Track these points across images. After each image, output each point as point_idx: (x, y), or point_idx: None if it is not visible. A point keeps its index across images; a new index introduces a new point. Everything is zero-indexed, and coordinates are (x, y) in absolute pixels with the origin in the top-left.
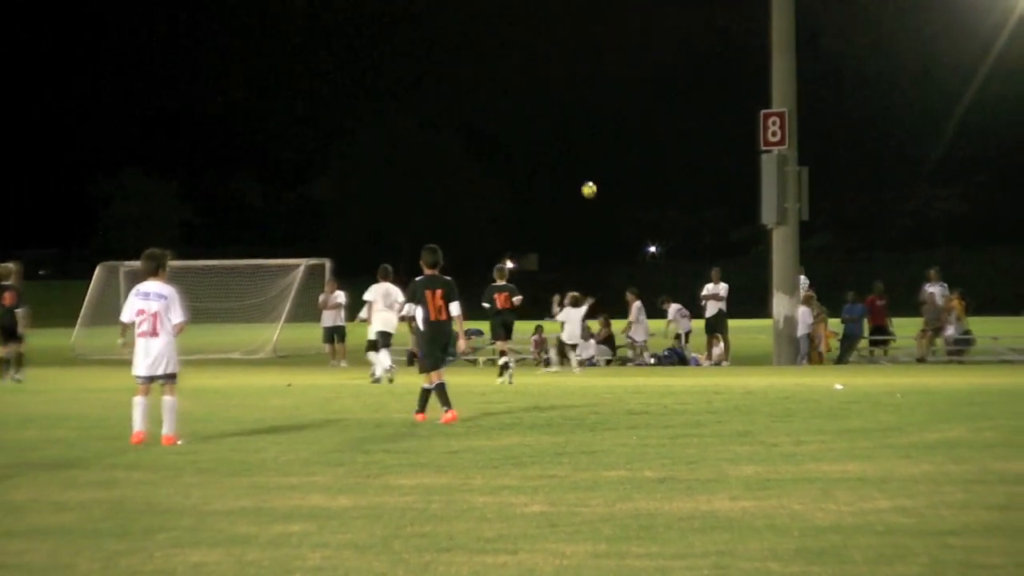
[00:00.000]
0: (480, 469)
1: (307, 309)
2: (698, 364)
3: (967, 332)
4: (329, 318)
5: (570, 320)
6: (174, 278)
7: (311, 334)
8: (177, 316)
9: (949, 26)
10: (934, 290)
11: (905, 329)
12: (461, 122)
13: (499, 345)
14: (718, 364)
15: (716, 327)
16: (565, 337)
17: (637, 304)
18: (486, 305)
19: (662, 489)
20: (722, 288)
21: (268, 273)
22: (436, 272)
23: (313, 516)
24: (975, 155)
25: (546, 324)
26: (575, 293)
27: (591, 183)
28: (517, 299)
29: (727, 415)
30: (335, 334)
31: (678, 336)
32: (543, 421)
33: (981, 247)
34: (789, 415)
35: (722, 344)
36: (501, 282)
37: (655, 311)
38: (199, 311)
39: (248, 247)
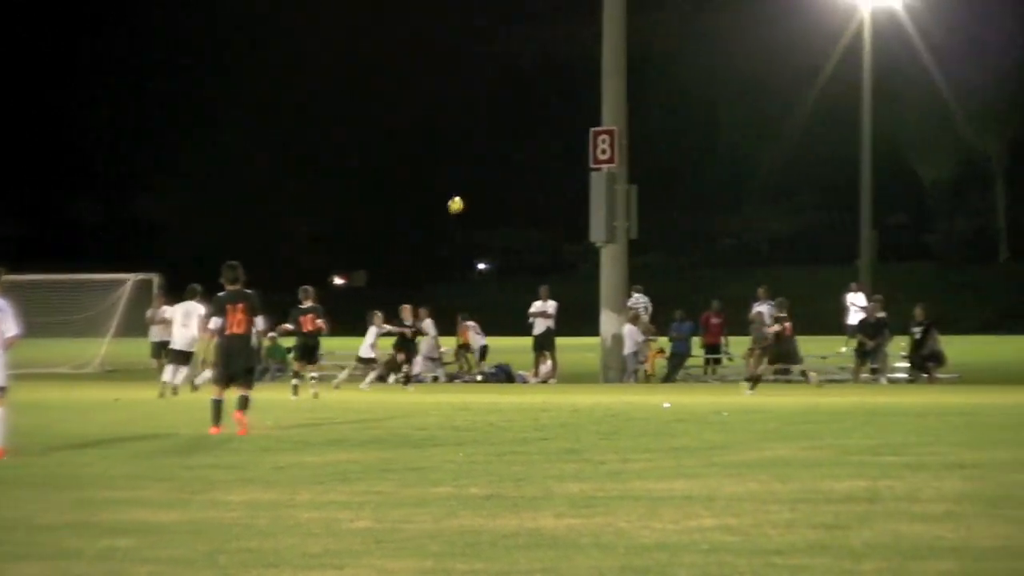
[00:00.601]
0: (307, 485)
1: (136, 324)
2: (525, 382)
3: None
4: (157, 333)
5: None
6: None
7: (139, 349)
8: (10, 329)
9: (780, 45)
10: (762, 309)
11: (740, 348)
12: (285, 139)
13: (297, 367)
14: (545, 382)
15: (544, 344)
16: (362, 352)
17: (428, 321)
18: (290, 327)
19: (488, 506)
20: (550, 306)
21: (96, 288)
22: (238, 287)
23: (139, 531)
24: (801, 175)
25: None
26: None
27: (457, 198)
28: (320, 322)
29: (553, 432)
30: (163, 349)
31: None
32: (371, 437)
33: (803, 266)
34: (616, 433)
35: (550, 362)
36: (307, 304)
37: (492, 328)
38: (27, 326)
39: (80, 263)
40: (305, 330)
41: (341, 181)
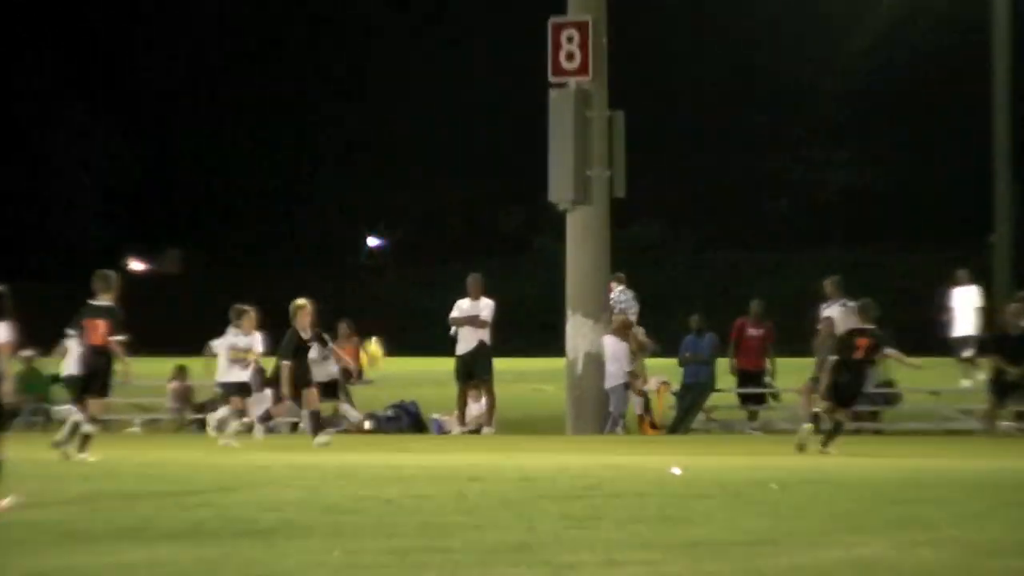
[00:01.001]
0: None
1: None
2: (444, 431)
3: (888, 382)
4: None
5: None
6: None
7: None
8: None
9: None
10: (833, 313)
11: (793, 376)
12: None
13: (78, 407)
14: (476, 431)
15: (474, 370)
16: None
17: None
18: (72, 333)
19: None
20: (484, 307)
21: None
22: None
23: None
24: (890, 99)
25: (197, 363)
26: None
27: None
28: (116, 338)
29: (490, 516)
30: None
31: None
32: (188, 523)
33: (888, 244)
34: (594, 517)
35: (484, 398)
36: (102, 300)
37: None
38: None
39: None
40: (92, 343)
41: (147, 112)
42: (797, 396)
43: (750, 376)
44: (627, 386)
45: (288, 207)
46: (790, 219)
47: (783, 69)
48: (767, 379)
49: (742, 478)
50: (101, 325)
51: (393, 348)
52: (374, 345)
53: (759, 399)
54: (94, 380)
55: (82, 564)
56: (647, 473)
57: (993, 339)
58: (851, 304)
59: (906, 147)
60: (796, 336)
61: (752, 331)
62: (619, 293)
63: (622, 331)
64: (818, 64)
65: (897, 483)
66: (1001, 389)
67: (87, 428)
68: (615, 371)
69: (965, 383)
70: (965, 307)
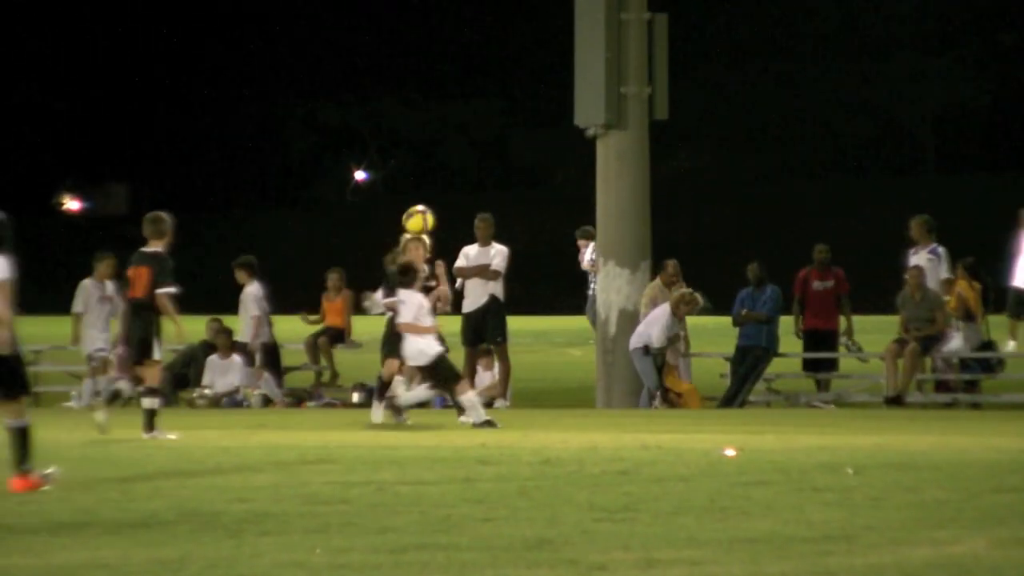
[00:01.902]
0: None
1: None
2: (447, 404)
3: (988, 343)
4: None
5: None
6: None
7: None
8: None
9: None
10: (920, 261)
11: (873, 337)
12: None
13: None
14: (488, 404)
15: (483, 332)
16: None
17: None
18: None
19: None
20: (495, 254)
21: None
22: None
23: None
24: None
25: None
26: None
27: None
28: (164, 291)
29: (504, 506)
30: None
31: None
32: (138, 516)
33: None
34: (630, 507)
35: (496, 366)
36: (155, 247)
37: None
38: None
39: None
40: (133, 295)
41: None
42: (880, 362)
43: (820, 337)
44: (664, 355)
45: (255, 134)
46: (869, 144)
47: None
48: (843, 340)
49: (810, 461)
50: (144, 274)
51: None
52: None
53: (833, 364)
54: (140, 343)
55: (11, 567)
56: (694, 455)
57: None
58: (942, 251)
59: (1015, 56)
60: (874, 289)
61: (818, 283)
62: (591, 253)
63: (668, 287)
64: None
65: (999, 468)
66: None
67: (148, 402)
68: (657, 334)
69: (1010, 345)
70: None
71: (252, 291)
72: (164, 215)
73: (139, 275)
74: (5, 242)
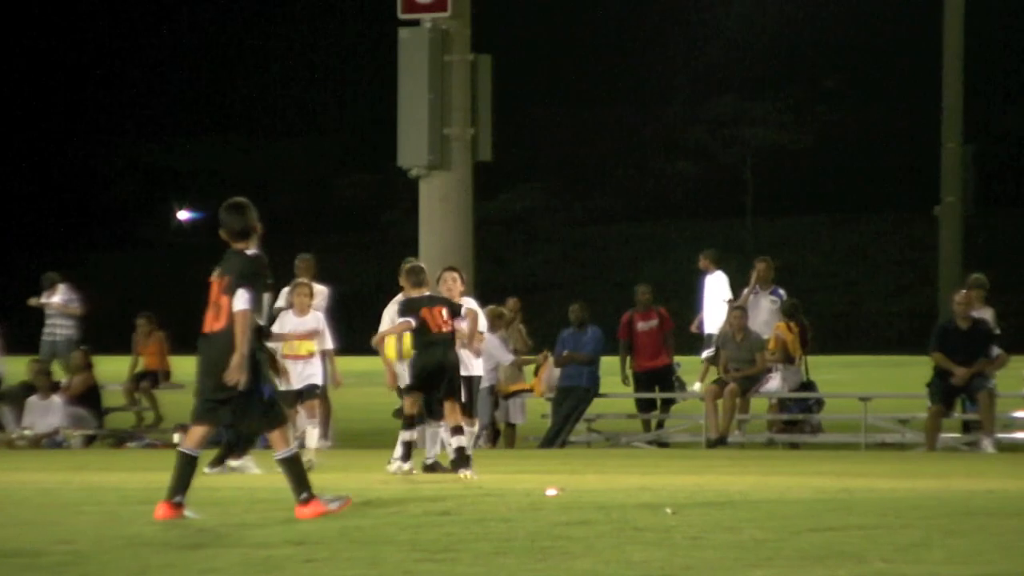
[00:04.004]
0: None
1: None
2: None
3: (808, 384)
4: None
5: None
6: None
7: None
8: None
9: None
10: (764, 302)
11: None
12: None
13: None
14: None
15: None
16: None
17: None
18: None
19: None
20: (317, 294)
21: None
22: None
23: None
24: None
25: None
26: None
27: None
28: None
29: (327, 548)
30: None
31: None
32: None
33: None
34: (451, 547)
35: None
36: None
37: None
38: None
39: None
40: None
41: None
42: (699, 402)
43: (653, 375)
44: (492, 390)
45: (76, 174)
46: (693, 185)
47: (685, 3)
48: (676, 374)
49: (630, 501)
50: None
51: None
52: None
53: (664, 404)
54: None
55: None
56: (515, 496)
57: (938, 333)
58: (783, 293)
59: (834, 99)
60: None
61: (642, 324)
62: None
63: (497, 324)
64: None
65: (817, 507)
66: (945, 394)
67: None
68: (487, 371)
69: (696, 387)
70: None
71: None
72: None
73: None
74: (252, 278)
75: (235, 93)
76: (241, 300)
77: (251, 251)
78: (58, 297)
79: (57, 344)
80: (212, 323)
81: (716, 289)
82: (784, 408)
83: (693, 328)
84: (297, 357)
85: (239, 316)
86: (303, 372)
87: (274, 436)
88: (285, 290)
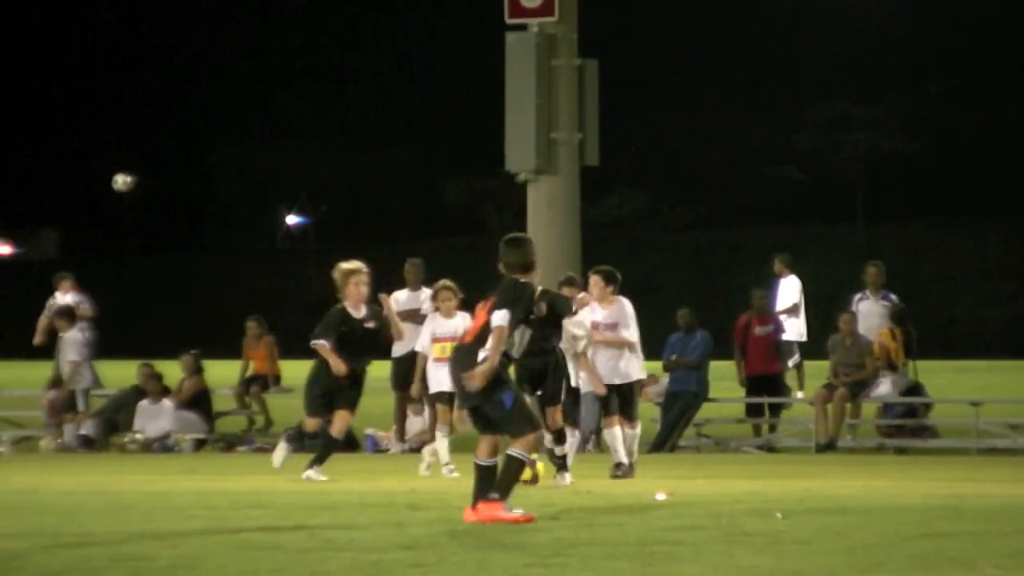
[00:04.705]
0: None
1: None
2: (379, 449)
3: (914, 386)
4: None
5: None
6: None
7: None
8: None
9: None
10: (865, 307)
11: (814, 383)
12: None
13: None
14: (418, 449)
15: (414, 376)
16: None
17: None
18: None
19: None
20: (425, 299)
21: None
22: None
23: None
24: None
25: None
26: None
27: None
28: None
29: (435, 551)
30: None
31: None
32: (68, 562)
33: (933, 219)
34: (561, 552)
35: (427, 411)
36: None
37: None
38: None
39: None
40: None
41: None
42: (809, 407)
43: (763, 382)
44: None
45: (186, 179)
46: (801, 190)
47: (792, 6)
48: (787, 383)
49: (740, 506)
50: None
51: (297, 347)
52: None
53: (773, 410)
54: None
55: None
56: (624, 499)
57: None
58: (894, 298)
59: (944, 104)
60: (812, 334)
61: (759, 328)
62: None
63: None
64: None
65: (928, 512)
66: None
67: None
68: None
69: (798, 395)
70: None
71: (71, 336)
72: None
73: None
74: (514, 301)
75: (344, 98)
76: (499, 318)
77: (524, 279)
78: (70, 298)
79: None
80: (466, 336)
81: (788, 293)
82: (890, 412)
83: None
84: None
85: (495, 331)
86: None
87: (519, 442)
88: (401, 295)
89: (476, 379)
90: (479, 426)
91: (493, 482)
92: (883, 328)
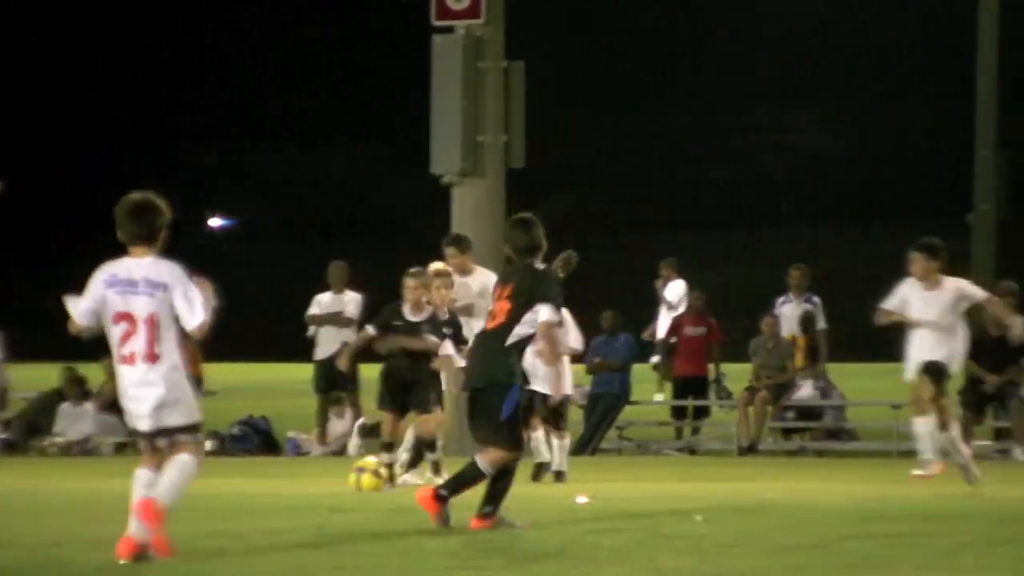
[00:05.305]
0: None
1: None
2: (300, 452)
3: (826, 389)
4: None
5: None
6: None
7: None
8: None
9: None
10: (788, 310)
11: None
12: None
13: None
14: (340, 451)
15: (336, 378)
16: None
17: None
18: None
19: None
20: (349, 302)
21: None
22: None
23: None
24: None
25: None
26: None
27: None
28: None
29: (357, 554)
30: None
31: None
32: None
33: (861, 222)
34: (483, 555)
35: (348, 413)
36: None
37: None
38: None
39: None
40: None
41: None
42: (731, 410)
43: (690, 383)
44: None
45: (106, 179)
46: (729, 193)
47: (722, 10)
48: (722, 383)
49: (661, 508)
50: None
51: (240, 352)
52: None
53: (701, 413)
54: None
55: None
56: (545, 502)
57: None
58: (817, 300)
59: (868, 107)
60: (736, 337)
61: (691, 329)
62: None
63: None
64: (770, 4)
65: (849, 515)
66: (976, 402)
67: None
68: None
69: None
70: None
71: None
72: None
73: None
74: (556, 296)
75: (269, 99)
76: (546, 312)
77: (540, 266)
78: None
79: None
80: (488, 323)
81: (671, 297)
82: (805, 415)
83: (646, 335)
84: None
85: (550, 328)
86: None
87: (491, 453)
88: (324, 298)
89: (551, 358)
90: (476, 433)
91: (492, 492)
92: (819, 328)
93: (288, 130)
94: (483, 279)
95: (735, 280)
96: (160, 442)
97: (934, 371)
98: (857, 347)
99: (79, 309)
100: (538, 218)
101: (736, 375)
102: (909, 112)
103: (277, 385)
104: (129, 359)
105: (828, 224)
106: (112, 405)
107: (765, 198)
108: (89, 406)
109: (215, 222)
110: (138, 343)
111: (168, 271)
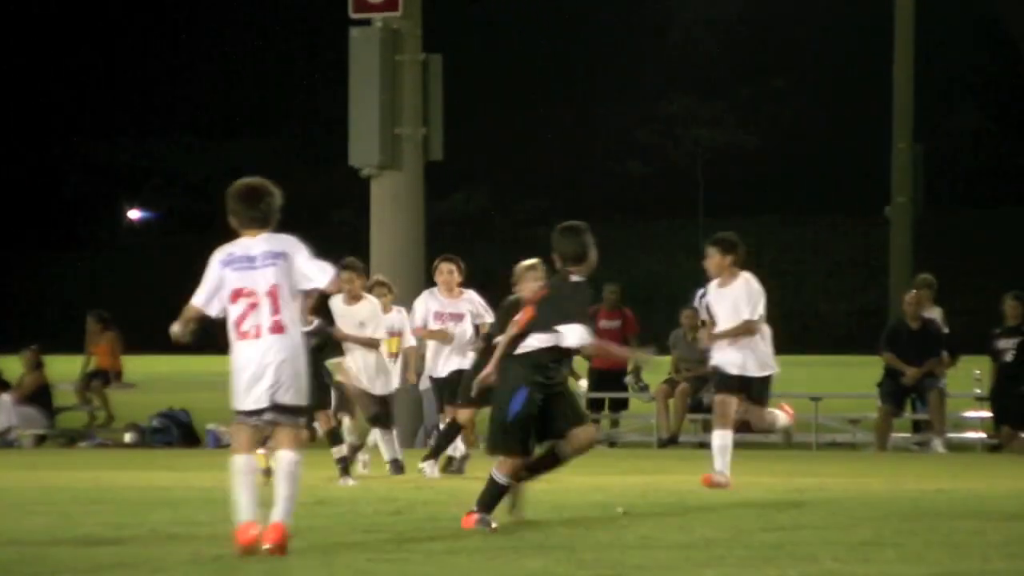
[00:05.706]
0: None
1: None
2: (221, 445)
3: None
4: None
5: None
6: None
7: None
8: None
9: None
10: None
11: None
12: None
13: None
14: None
15: None
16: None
17: None
18: None
19: None
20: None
21: None
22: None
23: None
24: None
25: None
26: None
27: None
28: None
29: None
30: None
31: None
32: None
33: (775, 214)
34: (403, 548)
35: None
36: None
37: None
38: None
39: None
40: None
41: None
42: (650, 403)
43: (606, 376)
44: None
45: (30, 174)
46: (643, 186)
47: (636, 4)
48: (629, 378)
49: (582, 501)
50: None
51: (156, 344)
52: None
53: (620, 405)
54: None
55: None
56: (467, 495)
57: (888, 333)
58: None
59: (784, 100)
60: (656, 329)
61: (605, 322)
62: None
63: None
64: None
65: (768, 506)
66: (895, 394)
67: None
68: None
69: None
70: None
71: None
72: None
73: None
74: (584, 314)
75: (187, 92)
76: (575, 338)
77: (578, 278)
78: None
79: None
80: (511, 327)
81: None
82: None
83: None
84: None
85: (589, 346)
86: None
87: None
88: None
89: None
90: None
91: (489, 499)
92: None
93: (201, 123)
94: (370, 307)
95: (653, 273)
96: (265, 418)
97: (737, 389)
98: (774, 339)
99: (201, 300)
100: (587, 227)
101: (658, 367)
102: (827, 106)
103: (195, 377)
104: (252, 333)
105: (743, 215)
106: (31, 397)
107: (682, 190)
108: (7, 398)
109: (134, 214)
110: (262, 315)
111: (284, 240)
